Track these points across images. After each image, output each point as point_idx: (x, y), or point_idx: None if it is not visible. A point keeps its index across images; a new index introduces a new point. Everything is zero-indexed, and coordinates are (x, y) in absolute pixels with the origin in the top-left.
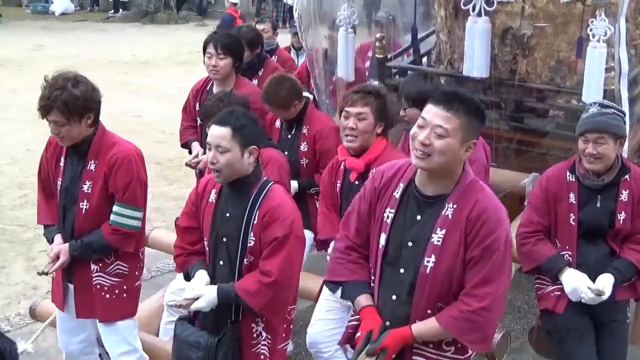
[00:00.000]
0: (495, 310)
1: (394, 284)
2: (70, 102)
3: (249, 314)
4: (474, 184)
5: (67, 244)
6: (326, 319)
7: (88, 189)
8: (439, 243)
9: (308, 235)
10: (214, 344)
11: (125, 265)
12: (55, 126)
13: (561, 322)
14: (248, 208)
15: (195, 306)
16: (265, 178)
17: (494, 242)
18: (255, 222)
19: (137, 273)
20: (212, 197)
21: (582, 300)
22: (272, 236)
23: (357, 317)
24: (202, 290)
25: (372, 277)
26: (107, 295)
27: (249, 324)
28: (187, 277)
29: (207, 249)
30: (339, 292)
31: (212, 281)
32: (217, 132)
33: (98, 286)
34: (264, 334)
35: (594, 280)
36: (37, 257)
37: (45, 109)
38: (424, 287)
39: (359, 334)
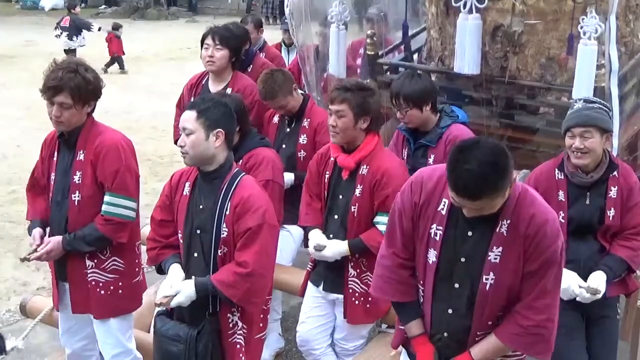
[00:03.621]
0: (556, 319)
1: (449, 298)
2: (82, 85)
3: (226, 305)
4: (524, 196)
5: (60, 236)
6: (314, 316)
7: (79, 180)
8: (497, 260)
9: (300, 231)
10: (194, 337)
11: (121, 261)
12: (59, 109)
13: None
14: (220, 199)
15: (175, 302)
16: (237, 169)
17: (552, 255)
18: (227, 213)
19: (136, 269)
20: (187, 189)
21: (577, 299)
22: (245, 227)
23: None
24: (180, 286)
25: (422, 288)
26: (102, 292)
27: (225, 314)
28: (160, 271)
29: (181, 241)
30: (320, 287)
31: (187, 274)
32: (184, 116)
33: (93, 282)
34: (239, 323)
35: (585, 277)
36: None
37: (55, 89)
38: (485, 303)
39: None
